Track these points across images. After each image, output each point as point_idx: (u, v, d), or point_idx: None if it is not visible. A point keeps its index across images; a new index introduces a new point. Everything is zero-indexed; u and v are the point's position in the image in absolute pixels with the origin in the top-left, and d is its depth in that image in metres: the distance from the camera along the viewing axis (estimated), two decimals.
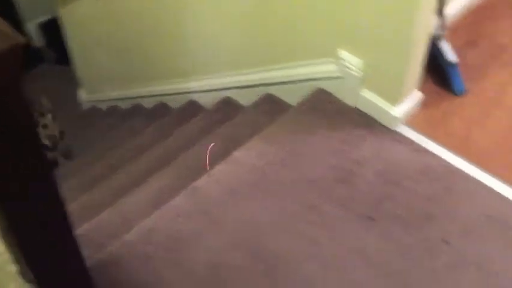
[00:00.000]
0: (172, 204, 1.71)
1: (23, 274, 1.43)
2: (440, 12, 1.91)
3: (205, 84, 2.64)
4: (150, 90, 3.18)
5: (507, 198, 1.65)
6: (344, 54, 1.83)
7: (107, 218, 1.89)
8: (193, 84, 2.74)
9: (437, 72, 2.00)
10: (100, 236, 1.79)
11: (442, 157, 1.75)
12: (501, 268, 1.50)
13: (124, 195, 2.04)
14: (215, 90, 2.57)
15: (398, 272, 1.51)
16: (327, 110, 1.93)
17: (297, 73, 2.06)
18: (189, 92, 2.80)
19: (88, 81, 3.97)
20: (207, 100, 2.65)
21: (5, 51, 0.84)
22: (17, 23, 4.43)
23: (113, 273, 1.56)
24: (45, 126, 3.20)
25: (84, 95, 4.07)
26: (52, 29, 4.24)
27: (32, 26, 4.71)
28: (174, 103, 2.94)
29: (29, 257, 1.20)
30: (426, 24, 1.70)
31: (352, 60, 1.82)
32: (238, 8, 2.18)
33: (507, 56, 2.12)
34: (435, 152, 1.77)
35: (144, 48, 3.06)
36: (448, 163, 1.74)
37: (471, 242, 1.55)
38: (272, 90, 2.24)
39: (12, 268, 1.57)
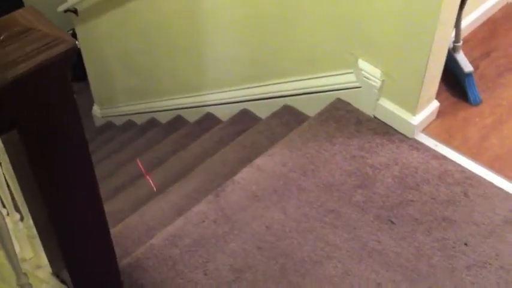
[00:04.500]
0: (196, 210, 1.76)
1: (56, 274, 1.48)
2: (457, 23, 1.96)
3: (222, 96, 2.69)
4: (166, 104, 3.24)
5: None
6: (363, 64, 1.89)
7: (130, 225, 1.93)
8: (210, 97, 2.80)
9: (454, 82, 2.05)
10: (125, 242, 1.83)
11: (460, 163, 1.80)
12: None
13: (146, 203, 2.09)
14: (232, 102, 2.63)
15: (419, 273, 1.54)
16: (345, 119, 1.98)
17: (316, 84, 2.12)
18: (205, 105, 2.86)
19: (103, 97, 4.04)
20: (224, 112, 2.70)
21: (62, 54, 0.89)
22: None
23: (139, 277, 1.60)
24: None
25: (98, 111, 4.14)
26: None
27: None
28: (191, 116, 3.00)
29: (66, 255, 1.24)
30: (445, 36, 1.75)
31: (371, 70, 1.87)
32: (256, 20, 2.24)
33: None
34: (452, 159, 1.81)
35: (159, 62, 3.12)
36: (465, 169, 1.78)
37: (490, 244, 1.59)
38: (290, 101, 2.29)
39: (41, 273, 1.62)
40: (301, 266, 1.58)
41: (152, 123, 3.38)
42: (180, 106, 3.09)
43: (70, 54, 0.90)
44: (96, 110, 4.14)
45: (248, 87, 2.50)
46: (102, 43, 3.60)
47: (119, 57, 3.55)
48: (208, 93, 2.80)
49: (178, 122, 3.10)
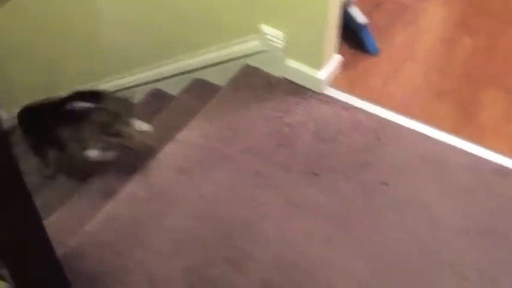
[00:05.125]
0: (126, 191, 1.77)
1: None
2: None
3: (132, 79, 2.68)
4: None
5: (430, 137, 1.84)
6: (266, 28, 1.95)
7: (60, 218, 1.91)
8: (119, 82, 2.77)
9: (351, 35, 2.16)
10: (57, 234, 1.81)
11: (368, 111, 1.92)
12: (438, 202, 1.68)
13: (72, 195, 2.07)
14: (142, 84, 2.62)
15: (348, 218, 1.65)
16: (256, 83, 2.05)
17: (223, 54, 2.16)
18: (115, 90, 2.83)
19: (7, 97, 3.88)
20: (135, 95, 2.69)
21: None
22: None
23: (79, 265, 1.60)
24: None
25: (5, 113, 3.98)
26: None
27: None
28: None
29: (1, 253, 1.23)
30: None
31: (274, 33, 1.94)
32: None
33: (409, 15, 2.32)
34: (361, 107, 1.93)
35: (62, 54, 3.05)
36: (374, 115, 1.90)
37: (408, 182, 1.73)
38: (199, 74, 2.32)
39: None
40: (240, 230, 1.64)
41: None
42: None
43: None
44: (2, 112, 3.98)
45: (156, 67, 2.51)
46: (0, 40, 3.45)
47: (19, 53, 3.42)
48: (118, 78, 2.78)
49: None
